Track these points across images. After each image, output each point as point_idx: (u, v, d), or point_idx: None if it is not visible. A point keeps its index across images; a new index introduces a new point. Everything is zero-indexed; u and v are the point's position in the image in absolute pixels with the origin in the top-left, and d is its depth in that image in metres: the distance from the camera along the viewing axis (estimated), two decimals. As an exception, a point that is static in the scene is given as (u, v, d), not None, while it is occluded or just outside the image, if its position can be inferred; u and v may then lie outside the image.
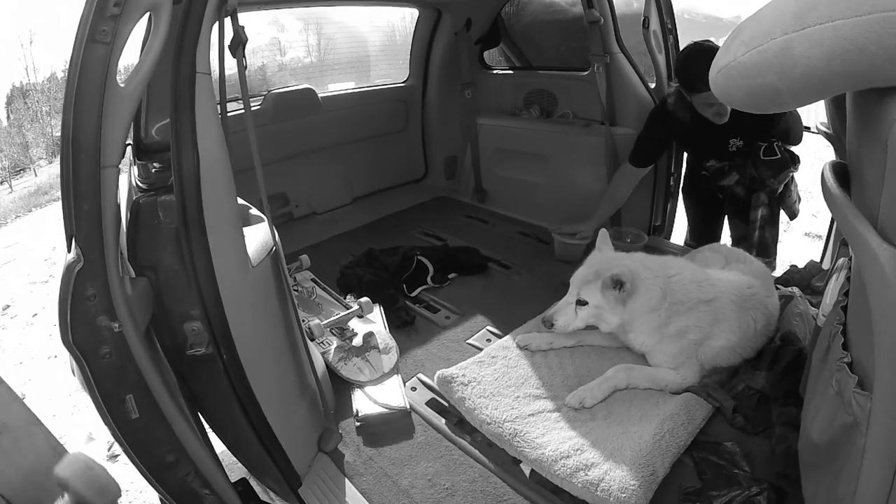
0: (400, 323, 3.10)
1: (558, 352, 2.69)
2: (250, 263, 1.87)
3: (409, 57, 5.04)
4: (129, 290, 1.55)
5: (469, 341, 2.95)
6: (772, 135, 3.17)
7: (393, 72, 5.44)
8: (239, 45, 1.85)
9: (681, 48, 3.81)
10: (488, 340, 2.94)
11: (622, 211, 3.92)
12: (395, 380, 2.66)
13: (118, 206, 1.53)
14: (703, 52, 2.93)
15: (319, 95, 4.47)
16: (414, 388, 2.64)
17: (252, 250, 1.92)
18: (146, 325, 1.66)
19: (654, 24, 3.67)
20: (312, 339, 2.66)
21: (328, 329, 2.83)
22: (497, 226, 4.49)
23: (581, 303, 2.47)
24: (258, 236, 2.03)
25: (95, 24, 1.36)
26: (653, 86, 3.88)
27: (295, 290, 3.22)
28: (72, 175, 1.41)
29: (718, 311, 2.41)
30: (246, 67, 1.92)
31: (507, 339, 2.80)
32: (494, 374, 2.54)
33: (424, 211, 4.93)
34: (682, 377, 2.42)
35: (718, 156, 3.39)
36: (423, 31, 4.87)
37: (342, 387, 2.62)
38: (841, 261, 1.99)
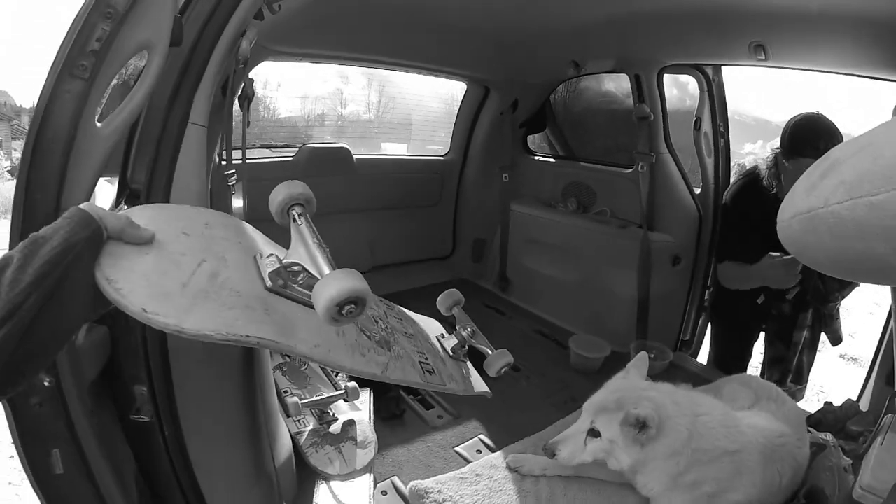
0: (388, 415, 2.87)
1: (551, 481, 2.37)
2: None
3: (451, 131, 4.91)
4: (79, 339, 1.40)
5: (457, 448, 2.69)
6: None
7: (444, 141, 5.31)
8: (245, 100, 1.84)
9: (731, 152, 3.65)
10: (478, 452, 2.67)
11: (649, 322, 3.69)
12: (366, 480, 2.40)
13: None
14: (821, 124, 2.71)
15: (355, 157, 4.32)
16: (384, 493, 2.38)
17: None
18: (95, 375, 1.50)
19: (706, 126, 3.51)
20: (289, 416, 2.49)
21: (308, 409, 2.63)
22: (515, 320, 4.27)
23: (594, 433, 2.17)
24: None
25: (74, 57, 1.23)
26: (697, 191, 3.67)
27: (286, 356, 3.01)
28: (22, 214, 1.26)
29: (742, 463, 2.10)
30: (248, 124, 1.76)
31: (498, 456, 2.50)
32: (475, 495, 2.25)
33: (443, 290, 4.58)
34: None
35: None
36: (468, 107, 4.72)
37: (308, 474, 2.38)
38: (888, 419, 1.71)
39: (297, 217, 1.32)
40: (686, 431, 2.07)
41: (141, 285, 0.94)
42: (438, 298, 1.93)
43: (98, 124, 1.31)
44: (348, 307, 0.99)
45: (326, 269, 1.11)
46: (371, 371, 1.24)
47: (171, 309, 0.93)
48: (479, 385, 1.82)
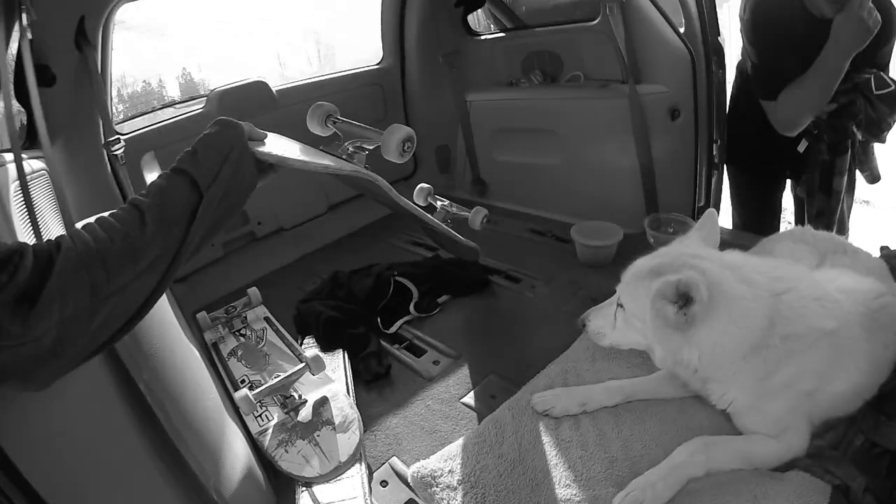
0: (370, 377, 2.30)
1: (595, 417, 1.81)
2: None
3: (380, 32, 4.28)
4: None
5: (464, 400, 2.12)
6: (876, 60, 2.33)
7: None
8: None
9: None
10: (492, 397, 2.10)
11: (658, 190, 3.15)
12: (357, 473, 1.84)
13: None
14: None
15: (275, 89, 3.75)
16: (384, 483, 1.83)
17: None
18: None
19: None
20: (246, 415, 1.99)
21: (268, 398, 2.11)
22: (501, 224, 3.70)
23: (622, 306, 1.69)
24: None
25: None
26: (682, 30, 3.07)
27: (241, 334, 2.64)
28: None
29: (843, 344, 1.56)
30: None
31: (519, 399, 1.94)
32: (500, 464, 1.69)
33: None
34: (788, 446, 1.58)
35: None
36: None
37: (285, 483, 1.86)
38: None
39: (334, 122, 2.04)
40: (764, 318, 1.52)
41: (277, 151, 1.42)
42: (414, 193, 2.48)
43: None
44: (407, 144, 1.88)
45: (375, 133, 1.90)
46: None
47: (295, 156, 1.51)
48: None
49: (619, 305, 1.71)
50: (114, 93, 2.89)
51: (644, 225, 2.91)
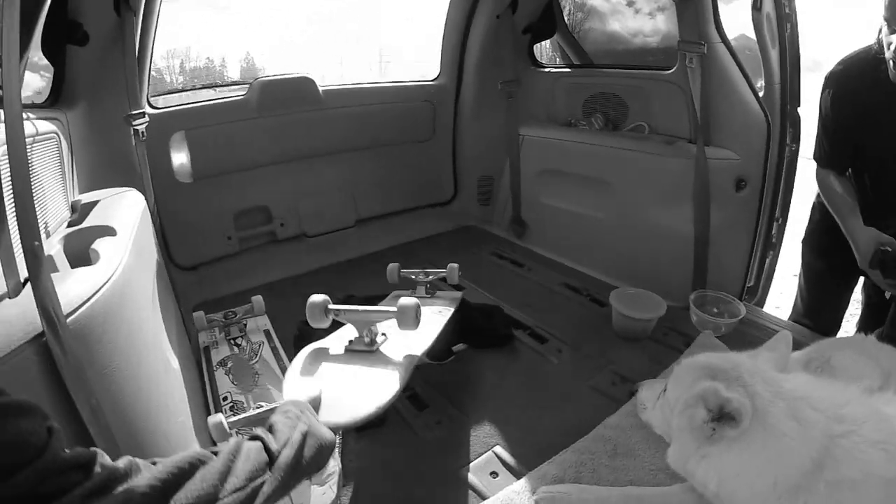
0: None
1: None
2: None
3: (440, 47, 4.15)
4: None
5: (462, 473, 1.89)
6: None
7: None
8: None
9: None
10: (493, 475, 1.86)
11: (708, 265, 2.93)
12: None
13: None
14: None
15: (322, 88, 3.62)
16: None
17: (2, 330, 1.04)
18: None
19: (769, 7, 2.78)
20: (218, 442, 1.72)
21: (245, 428, 1.83)
22: (535, 272, 3.50)
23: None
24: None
25: None
26: (761, 93, 2.83)
27: (236, 343, 2.49)
28: None
29: None
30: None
31: (522, 490, 1.70)
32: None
33: (444, 243, 4.00)
34: None
35: None
36: (457, 14, 3.94)
37: None
38: None
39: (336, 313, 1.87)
40: (809, 460, 1.30)
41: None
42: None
43: None
44: (419, 311, 1.81)
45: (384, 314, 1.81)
46: None
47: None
48: None
49: (665, 389, 1.53)
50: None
51: (689, 300, 2.70)
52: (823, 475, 1.28)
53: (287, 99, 3.51)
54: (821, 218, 2.68)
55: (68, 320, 1.08)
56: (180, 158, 3.20)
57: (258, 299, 2.67)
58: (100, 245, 1.46)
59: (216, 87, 3.69)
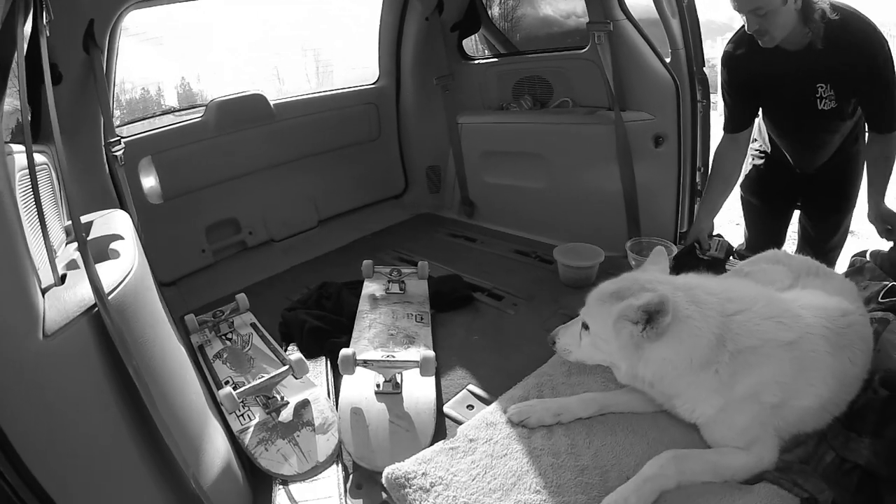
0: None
1: (569, 428, 1.86)
2: (40, 328, 1.15)
3: (377, 53, 4.35)
4: None
5: (443, 409, 2.16)
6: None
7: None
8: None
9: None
10: (469, 407, 2.16)
11: (640, 216, 3.21)
12: (334, 473, 1.90)
13: None
14: None
15: (272, 103, 3.81)
16: (360, 486, 1.88)
17: (59, 306, 1.23)
18: None
19: None
20: (229, 413, 2.07)
21: (251, 398, 2.15)
22: (488, 244, 3.77)
23: (586, 326, 1.79)
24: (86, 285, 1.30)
25: None
26: (668, 60, 3.12)
27: (228, 338, 2.72)
28: None
29: (805, 357, 1.63)
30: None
31: (494, 410, 1.99)
32: (473, 469, 1.74)
33: (402, 231, 4.20)
34: (757, 458, 1.63)
35: (807, 119, 2.61)
36: (389, 20, 4.15)
37: (263, 481, 1.90)
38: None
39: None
40: (710, 335, 1.61)
41: None
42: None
43: None
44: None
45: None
46: None
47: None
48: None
49: (584, 326, 1.79)
50: (111, 98, 2.96)
51: (626, 248, 2.94)
52: (727, 347, 1.59)
53: (242, 116, 3.68)
54: (752, 164, 3.03)
55: (109, 298, 1.29)
56: (149, 182, 3.34)
57: (242, 297, 2.85)
58: (116, 245, 1.70)
59: (175, 111, 3.82)
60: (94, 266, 1.28)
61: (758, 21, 2.28)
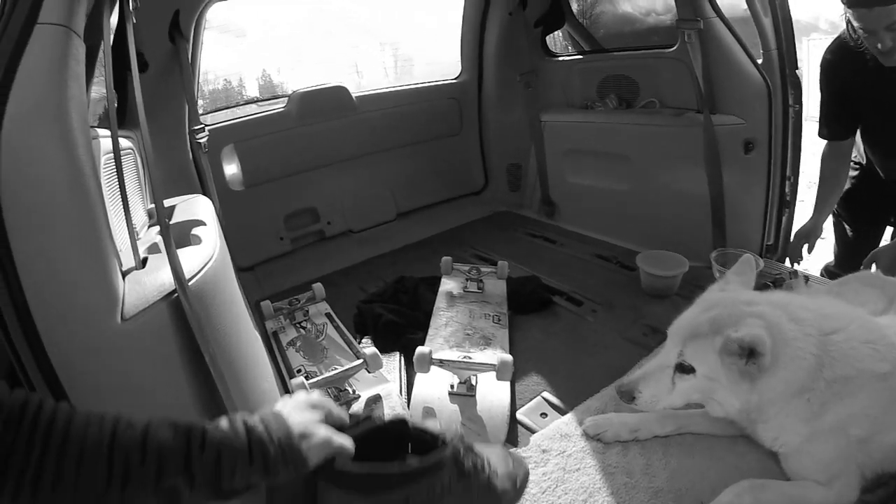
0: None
1: (645, 447, 1.81)
2: (119, 311, 1.17)
3: (459, 48, 4.36)
4: None
5: (516, 415, 2.12)
6: None
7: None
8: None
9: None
10: (543, 415, 2.11)
11: (727, 225, 3.07)
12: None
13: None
14: None
15: (355, 95, 3.88)
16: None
17: (139, 290, 1.25)
18: None
19: None
20: None
21: (321, 389, 2.14)
22: (568, 246, 3.70)
23: (684, 369, 1.60)
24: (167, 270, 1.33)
25: None
26: (759, 61, 2.97)
27: (302, 327, 2.74)
28: None
29: None
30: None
31: (569, 422, 1.96)
32: (543, 481, 1.71)
33: (481, 228, 4.18)
34: (837, 495, 1.53)
35: None
36: (472, 14, 4.15)
37: None
38: None
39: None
40: (812, 357, 1.49)
41: None
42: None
43: None
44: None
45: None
46: None
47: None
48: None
49: (680, 368, 1.62)
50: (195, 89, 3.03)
51: (710, 258, 2.83)
52: (823, 374, 1.48)
53: (324, 107, 3.75)
54: (860, 175, 2.89)
55: (189, 284, 1.31)
56: (231, 169, 3.46)
57: (318, 286, 2.88)
58: (198, 231, 1.73)
59: (258, 101, 3.94)
60: (176, 251, 1.31)
61: (892, 37, 2.16)
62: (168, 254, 1.29)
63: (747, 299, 1.62)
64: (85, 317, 1.12)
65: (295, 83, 4.21)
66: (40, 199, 1.06)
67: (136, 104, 2.38)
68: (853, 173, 2.88)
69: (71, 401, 1.07)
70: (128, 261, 1.36)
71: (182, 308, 1.28)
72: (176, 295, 1.28)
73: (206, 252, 1.51)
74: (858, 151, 2.83)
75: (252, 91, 4.91)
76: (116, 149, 1.46)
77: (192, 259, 1.42)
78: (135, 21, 1.51)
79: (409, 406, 2.16)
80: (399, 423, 1.22)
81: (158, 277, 1.30)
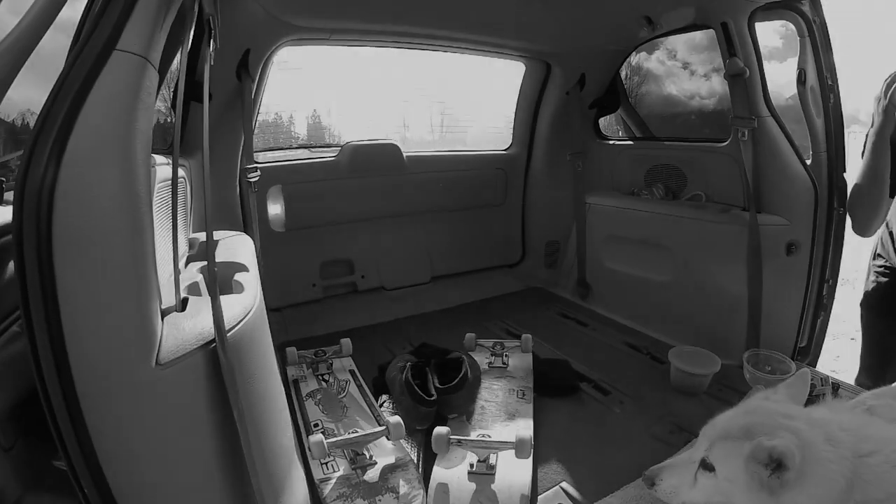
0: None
1: (662, 554, 1.73)
2: (154, 355, 1.17)
3: (513, 120, 4.42)
4: None
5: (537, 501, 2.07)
6: None
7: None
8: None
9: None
10: (560, 508, 2.05)
11: (762, 325, 3.00)
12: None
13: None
14: None
15: (405, 155, 3.94)
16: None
17: (178, 335, 1.24)
18: (13, 401, 1.29)
19: (812, 79, 2.88)
20: (313, 458, 2.08)
21: (338, 449, 2.15)
22: (599, 331, 3.65)
23: (707, 466, 1.56)
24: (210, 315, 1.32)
25: None
26: (808, 162, 2.97)
27: (324, 379, 2.75)
28: None
29: None
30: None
31: (586, 517, 1.88)
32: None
33: (513, 302, 4.15)
34: None
35: None
36: (529, 90, 4.22)
37: None
38: None
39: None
40: (843, 479, 1.41)
41: None
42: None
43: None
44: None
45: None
46: None
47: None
48: None
49: (705, 465, 1.59)
50: None
51: (742, 359, 2.80)
52: (853, 495, 1.44)
53: (374, 163, 3.82)
54: (877, 278, 2.77)
55: (227, 335, 1.30)
56: (275, 209, 3.52)
57: (346, 342, 2.91)
58: (240, 277, 1.74)
59: (310, 147, 4.03)
60: (220, 307, 1.30)
61: None
62: (213, 307, 1.29)
63: (786, 412, 1.57)
64: (120, 357, 1.12)
65: (342, 128, 4.30)
66: (93, 233, 1.07)
67: (195, 135, 2.45)
68: (883, 279, 2.76)
69: (90, 434, 1.08)
70: (168, 298, 1.36)
71: (217, 358, 1.27)
72: (213, 345, 1.27)
73: (247, 302, 1.51)
74: (888, 254, 2.72)
75: (301, 129, 5.01)
76: (175, 184, 1.48)
77: (232, 307, 1.42)
78: (212, 63, 1.54)
79: (427, 479, 2.11)
80: None
81: (198, 324, 1.30)
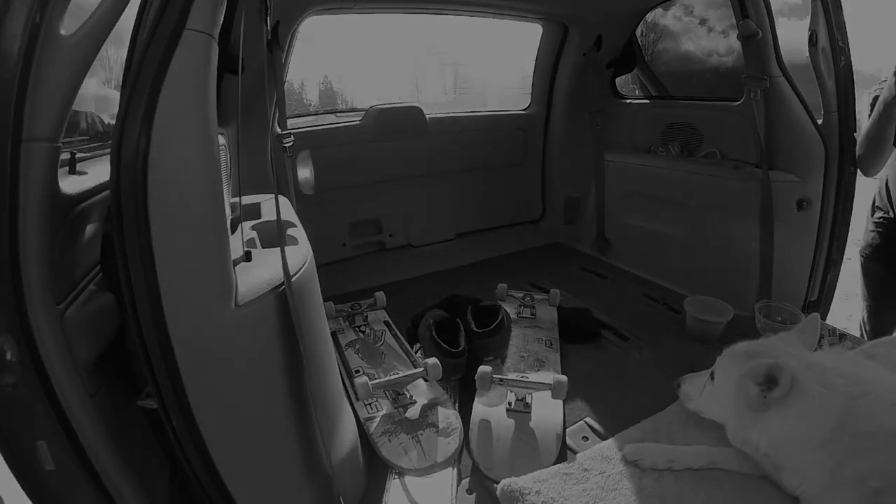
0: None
1: (678, 476, 1.92)
2: (233, 298, 1.35)
3: (531, 81, 4.51)
4: (73, 309, 1.29)
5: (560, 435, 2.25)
6: None
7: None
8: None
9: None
10: (584, 439, 2.26)
11: (773, 278, 3.14)
12: (449, 475, 2.04)
13: (58, 198, 1.28)
14: None
15: (428, 116, 4.05)
16: (470, 492, 2.01)
17: (250, 281, 1.44)
18: (96, 351, 1.38)
19: (823, 41, 2.91)
20: (357, 400, 2.26)
21: (380, 390, 2.35)
22: (619, 283, 3.82)
23: (714, 378, 1.89)
24: (272, 264, 1.54)
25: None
26: (819, 121, 3.05)
27: (361, 331, 2.92)
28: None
29: None
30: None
31: (610, 445, 2.06)
32: (583, 496, 1.83)
33: (535, 257, 4.33)
34: None
35: None
36: (547, 51, 4.32)
37: (380, 468, 2.06)
38: None
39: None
40: (835, 418, 1.62)
41: None
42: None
43: (63, 32, 1.18)
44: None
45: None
46: None
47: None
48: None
49: (711, 377, 1.89)
50: None
51: (754, 309, 2.93)
52: (847, 429, 1.61)
53: (398, 125, 3.93)
54: (876, 228, 2.90)
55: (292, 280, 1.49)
56: (304, 173, 3.62)
57: (380, 294, 3.07)
58: (292, 232, 1.93)
59: (336, 112, 4.15)
60: (286, 256, 1.49)
61: None
62: (282, 253, 1.48)
63: (788, 351, 1.76)
64: (206, 300, 1.30)
65: (354, 93, 4.41)
66: (181, 192, 1.24)
67: (229, 105, 2.59)
68: (880, 228, 2.88)
69: (180, 373, 1.26)
70: (236, 252, 1.53)
71: (284, 300, 1.46)
72: (282, 288, 1.46)
73: (304, 252, 1.71)
74: (886, 204, 2.84)
75: (312, 96, 5.11)
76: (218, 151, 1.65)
77: (293, 256, 1.60)
78: (269, 37, 1.66)
79: (469, 415, 2.29)
80: None
81: (266, 271, 1.49)
